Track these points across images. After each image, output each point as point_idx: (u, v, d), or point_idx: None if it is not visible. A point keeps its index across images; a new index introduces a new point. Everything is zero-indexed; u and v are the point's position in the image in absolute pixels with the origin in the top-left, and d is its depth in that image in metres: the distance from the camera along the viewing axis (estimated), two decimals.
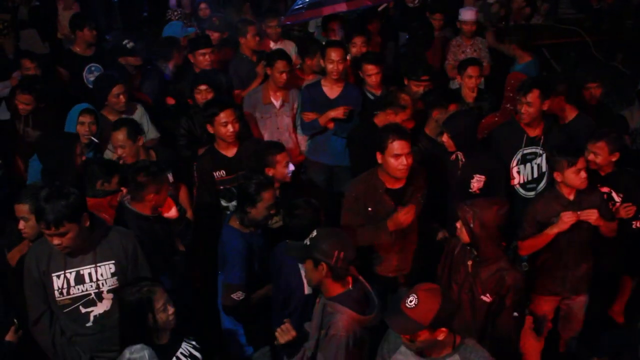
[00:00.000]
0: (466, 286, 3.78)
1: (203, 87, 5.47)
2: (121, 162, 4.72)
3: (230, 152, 4.86)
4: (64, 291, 3.52)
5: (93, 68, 6.67)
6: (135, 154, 4.77)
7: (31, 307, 3.61)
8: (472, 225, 3.64)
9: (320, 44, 6.35)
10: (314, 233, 3.37)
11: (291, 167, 4.64)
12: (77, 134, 4.91)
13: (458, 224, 3.76)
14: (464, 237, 3.73)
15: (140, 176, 4.03)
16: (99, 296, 3.58)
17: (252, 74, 6.44)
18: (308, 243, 3.36)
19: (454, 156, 4.67)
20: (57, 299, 3.53)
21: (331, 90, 5.67)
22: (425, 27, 7.33)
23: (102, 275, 3.54)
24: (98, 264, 3.53)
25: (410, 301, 2.89)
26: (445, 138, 4.61)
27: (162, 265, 4.09)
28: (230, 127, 4.70)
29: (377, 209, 4.30)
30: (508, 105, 5.62)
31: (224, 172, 4.83)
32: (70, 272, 3.50)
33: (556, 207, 4.21)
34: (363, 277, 3.56)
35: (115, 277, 3.57)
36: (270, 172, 4.52)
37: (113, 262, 3.56)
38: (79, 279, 3.52)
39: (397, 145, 4.10)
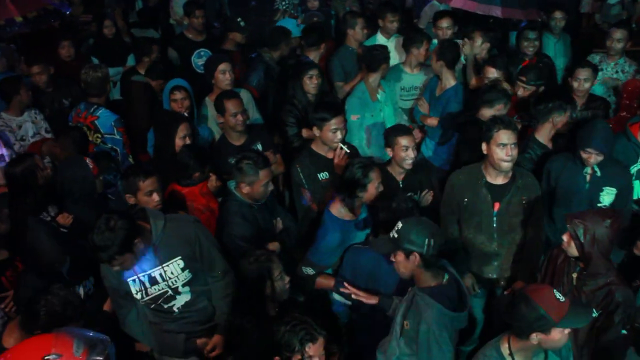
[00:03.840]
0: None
1: (314, 71, 5.52)
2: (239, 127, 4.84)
3: (331, 154, 4.73)
4: (143, 292, 3.59)
5: (202, 53, 6.91)
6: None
7: (117, 308, 3.75)
8: (583, 240, 3.48)
9: (426, 34, 6.30)
10: (399, 225, 3.35)
11: (412, 154, 4.55)
12: (183, 116, 5.05)
13: (565, 237, 3.60)
14: (572, 251, 3.58)
15: (247, 165, 4.07)
16: (176, 291, 3.64)
17: (357, 67, 6.42)
18: (396, 235, 3.34)
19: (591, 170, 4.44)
20: (139, 299, 3.64)
21: (439, 88, 5.74)
22: None
23: (172, 273, 3.57)
24: (164, 265, 3.54)
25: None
26: (592, 158, 4.34)
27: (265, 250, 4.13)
28: (338, 134, 4.63)
29: (472, 201, 4.27)
30: (624, 114, 5.33)
31: (327, 174, 4.71)
32: (143, 276, 3.55)
33: None
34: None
35: (187, 270, 3.60)
36: (389, 153, 4.57)
37: (179, 257, 3.56)
38: (153, 280, 3.56)
39: (502, 135, 4.06)
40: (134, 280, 3.55)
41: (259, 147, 5.07)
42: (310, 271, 4.15)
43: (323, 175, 4.69)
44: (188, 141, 4.81)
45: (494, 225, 4.29)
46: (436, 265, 3.35)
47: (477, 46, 6.17)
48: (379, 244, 3.63)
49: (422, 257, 3.27)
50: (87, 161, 4.38)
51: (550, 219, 4.59)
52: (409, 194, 4.53)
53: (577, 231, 3.49)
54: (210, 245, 3.66)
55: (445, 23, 6.54)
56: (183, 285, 3.62)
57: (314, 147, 4.77)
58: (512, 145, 4.08)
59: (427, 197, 4.67)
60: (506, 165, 4.12)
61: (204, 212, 4.35)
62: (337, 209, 4.16)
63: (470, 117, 5.09)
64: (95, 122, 5.27)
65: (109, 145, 5.33)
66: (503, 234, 4.31)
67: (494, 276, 4.45)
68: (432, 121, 5.73)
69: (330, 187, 4.60)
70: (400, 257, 3.34)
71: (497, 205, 4.25)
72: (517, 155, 4.15)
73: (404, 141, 4.52)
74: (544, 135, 4.82)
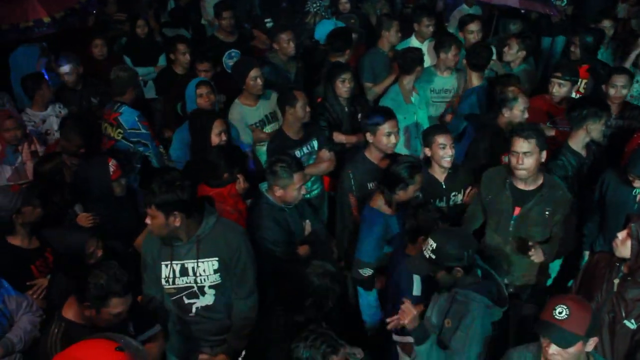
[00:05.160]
0: (608, 306, 3.49)
1: (347, 75, 5.48)
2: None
3: (384, 164, 4.55)
4: (170, 280, 3.58)
5: (233, 54, 6.94)
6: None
7: (145, 288, 3.75)
8: None
9: (455, 38, 6.26)
10: (432, 244, 3.32)
11: (450, 151, 4.53)
12: (217, 113, 5.05)
13: (621, 235, 3.43)
14: (624, 251, 3.42)
15: (281, 168, 4.05)
16: (201, 290, 3.61)
17: (386, 70, 6.40)
18: (433, 256, 3.32)
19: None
20: (165, 286, 3.62)
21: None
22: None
23: (204, 271, 3.55)
24: (200, 260, 3.53)
25: (560, 312, 2.81)
26: (635, 182, 4.28)
27: (293, 254, 4.14)
28: (392, 138, 4.58)
29: (495, 200, 4.28)
30: None
31: (374, 185, 4.58)
32: (177, 264, 3.55)
33: None
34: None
35: (218, 274, 3.57)
36: (427, 152, 4.57)
37: (216, 259, 3.54)
38: (184, 271, 3.55)
39: (514, 142, 4.06)
40: (166, 265, 3.55)
41: (315, 143, 5.10)
42: (368, 271, 4.18)
43: (372, 185, 4.61)
44: (224, 137, 4.79)
45: (511, 229, 4.25)
46: (475, 267, 3.39)
47: (512, 53, 6.10)
48: (415, 265, 3.56)
49: (464, 268, 3.29)
50: (110, 163, 4.40)
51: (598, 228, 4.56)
52: (453, 193, 4.59)
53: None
54: (248, 262, 3.63)
55: (472, 27, 6.58)
56: (210, 287, 3.60)
57: (367, 154, 4.69)
58: (524, 154, 4.03)
59: (472, 194, 4.65)
60: (519, 173, 4.09)
61: (232, 213, 4.34)
62: (377, 203, 4.20)
63: (488, 120, 5.07)
64: (118, 117, 5.32)
65: (134, 140, 5.35)
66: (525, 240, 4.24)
67: (505, 281, 4.35)
68: (447, 117, 5.83)
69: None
70: (442, 273, 3.36)
71: (517, 210, 4.21)
72: (533, 164, 4.06)
73: (441, 139, 4.51)
74: (577, 142, 4.72)
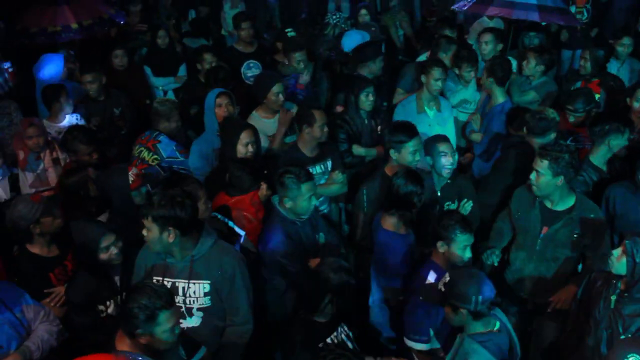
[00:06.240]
0: (606, 322, 3.50)
1: (371, 89, 5.49)
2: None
3: None
4: None
5: (252, 64, 6.94)
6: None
7: None
8: (638, 260, 3.32)
9: (475, 55, 6.24)
10: (447, 277, 3.32)
11: (450, 159, 4.57)
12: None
13: (618, 252, 3.43)
14: (620, 268, 3.41)
15: (288, 179, 4.00)
16: (189, 311, 3.54)
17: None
18: (442, 289, 3.30)
19: None
20: None
21: (489, 104, 5.77)
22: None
23: (194, 292, 3.49)
24: (192, 281, 3.48)
25: None
26: None
27: (305, 267, 4.10)
28: (417, 156, 4.57)
29: (524, 217, 4.27)
30: None
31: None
32: (168, 281, 3.49)
33: None
34: None
35: (208, 297, 3.52)
36: (430, 161, 4.59)
37: (208, 282, 3.49)
38: (174, 290, 3.45)
39: (535, 159, 4.07)
40: (157, 281, 3.46)
41: (329, 163, 5.07)
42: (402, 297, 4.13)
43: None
44: (251, 149, 4.72)
45: (537, 248, 4.20)
46: (487, 315, 3.29)
47: (531, 67, 6.06)
48: (427, 293, 3.59)
49: (470, 312, 3.23)
50: (130, 172, 4.38)
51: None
52: (447, 203, 4.58)
53: (635, 249, 3.34)
54: (242, 289, 3.55)
55: (486, 38, 6.56)
56: (198, 310, 3.54)
57: (388, 171, 4.64)
58: (537, 172, 4.03)
59: (466, 206, 4.65)
60: (533, 188, 4.09)
61: (252, 221, 4.31)
62: (393, 224, 4.17)
63: (518, 140, 5.01)
64: (157, 145, 5.27)
65: (168, 167, 5.30)
66: (544, 260, 4.22)
67: (524, 295, 4.37)
68: (476, 136, 5.77)
69: None
70: (448, 309, 3.33)
71: (545, 229, 4.16)
72: (544, 185, 4.03)
73: (442, 147, 4.54)
74: (599, 158, 4.68)
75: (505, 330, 3.36)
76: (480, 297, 3.17)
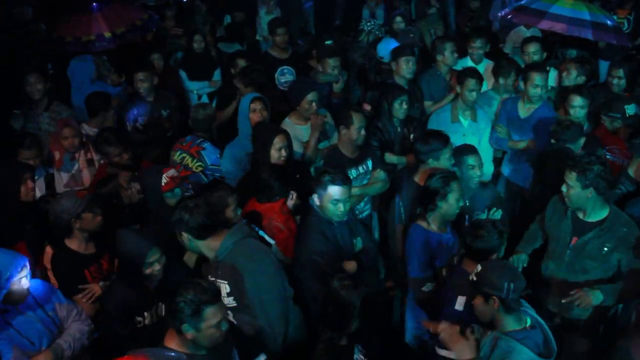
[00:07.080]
0: None
1: (405, 97, 5.51)
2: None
3: None
4: None
5: (285, 70, 6.98)
6: None
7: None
8: None
9: (517, 64, 6.16)
10: (479, 268, 3.29)
11: (478, 172, 4.61)
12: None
13: None
14: None
15: (324, 178, 4.03)
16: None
17: (444, 90, 6.39)
18: (475, 278, 3.28)
19: None
20: None
21: (524, 110, 5.72)
22: None
23: (222, 292, 3.46)
24: (218, 281, 3.57)
25: None
26: None
27: (339, 269, 4.06)
28: (452, 159, 4.62)
29: (555, 226, 4.25)
30: None
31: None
32: (211, 279, 3.58)
33: None
34: None
35: (232, 297, 3.58)
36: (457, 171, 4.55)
37: (226, 282, 3.58)
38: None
39: (565, 175, 4.02)
40: (206, 277, 3.59)
41: (370, 163, 5.11)
42: (429, 286, 4.14)
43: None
44: (284, 153, 4.72)
45: (566, 258, 4.15)
46: (517, 309, 3.25)
47: (571, 78, 5.97)
48: (457, 286, 3.58)
49: (501, 301, 3.18)
50: (165, 174, 4.35)
51: None
52: (476, 212, 4.58)
53: None
54: (253, 296, 3.55)
55: (532, 48, 6.44)
56: (227, 309, 3.51)
57: (419, 181, 4.61)
58: (566, 183, 4.00)
59: (496, 215, 4.65)
60: (565, 199, 4.07)
61: (282, 230, 4.31)
62: (423, 221, 4.20)
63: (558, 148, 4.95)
64: (202, 152, 5.32)
65: (210, 174, 5.32)
66: (572, 271, 4.15)
67: (553, 309, 4.29)
68: (531, 144, 5.62)
69: None
70: (479, 300, 3.28)
71: (575, 239, 4.10)
72: (573, 196, 3.99)
73: (470, 159, 4.56)
74: (637, 170, 4.58)
75: (539, 325, 3.31)
76: (512, 285, 3.15)
